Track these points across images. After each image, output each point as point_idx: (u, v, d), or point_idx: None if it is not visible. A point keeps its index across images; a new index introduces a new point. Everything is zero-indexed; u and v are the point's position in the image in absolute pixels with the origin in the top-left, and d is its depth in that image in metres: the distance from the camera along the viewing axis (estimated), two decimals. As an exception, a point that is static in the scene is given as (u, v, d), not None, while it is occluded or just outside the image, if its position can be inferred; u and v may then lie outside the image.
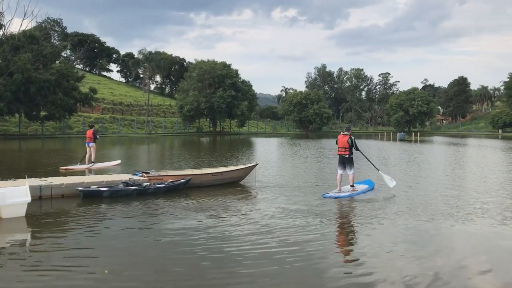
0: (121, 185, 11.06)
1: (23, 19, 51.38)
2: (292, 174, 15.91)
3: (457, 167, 19.04)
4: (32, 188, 9.28)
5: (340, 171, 11.58)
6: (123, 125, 62.00)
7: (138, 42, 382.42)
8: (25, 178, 10.64)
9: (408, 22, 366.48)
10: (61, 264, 5.84)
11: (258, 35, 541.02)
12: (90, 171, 16.49)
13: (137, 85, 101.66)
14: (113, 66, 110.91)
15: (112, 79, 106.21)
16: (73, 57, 79.51)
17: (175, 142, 43.70)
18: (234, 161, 20.92)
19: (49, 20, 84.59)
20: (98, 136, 18.92)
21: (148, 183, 11.53)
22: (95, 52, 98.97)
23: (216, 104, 64.79)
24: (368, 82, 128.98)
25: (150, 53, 70.33)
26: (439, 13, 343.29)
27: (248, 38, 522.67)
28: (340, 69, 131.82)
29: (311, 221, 8.29)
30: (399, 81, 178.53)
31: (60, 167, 16.73)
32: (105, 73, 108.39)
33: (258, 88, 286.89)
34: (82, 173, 15.39)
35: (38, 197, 10.08)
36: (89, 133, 18.27)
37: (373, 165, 12.56)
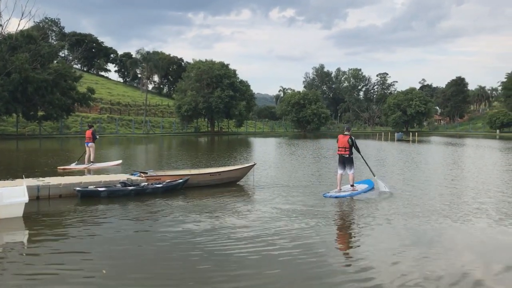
0: (119, 185, 11.03)
1: (21, 19, 51.23)
2: (290, 174, 15.90)
3: (455, 167, 19.07)
4: (29, 188, 9.26)
5: (340, 171, 11.62)
6: (120, 125, 61.90)
7: (136, 42, 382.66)
8: (22, 178, 10.63)
9: (406, 22, 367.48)
10: (59, 265, 5.82)
11: (256, 35, 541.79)
12: (89, 171, 16.48)
13: (135, 85, 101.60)
14: (111, 66, 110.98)
15: (110, 79, 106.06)
16: (70, 57, 79.31)
17: (173, 142, 43.65)
18: (232, 161, 20.91)
19: (46, 20, 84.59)
20: (97, 136, 18.93)
21: (146, 183, 11.51)
22: (93, 52, 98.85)
23: (214, 104, 64.74)
24: (366, 82, 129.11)
25: (148, 53, 70.30)
26: (437, 13, 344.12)
27: (246, 38, 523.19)
28: (338, 69, 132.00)
29: (310, 222, 8.28)
30: (397, 81, 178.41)
31: (58, 167, 16.70)
32: (103, 73, 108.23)
33: (256, 88, 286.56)
34: (80, 173, 15.36)
35: (36, 197, 10.04)
36: (88, 133, 18.26)
37: (370, 169, 12.53)
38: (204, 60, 71.34)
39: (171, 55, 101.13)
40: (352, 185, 11.61)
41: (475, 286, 5.24)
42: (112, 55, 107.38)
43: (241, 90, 69.97)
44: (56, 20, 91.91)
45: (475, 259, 6.33)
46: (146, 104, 69.22)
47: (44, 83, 41.46)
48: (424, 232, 7.61)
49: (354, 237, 7.64)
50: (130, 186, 11.10)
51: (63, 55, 78.03)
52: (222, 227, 7.90)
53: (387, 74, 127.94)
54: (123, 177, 11.98)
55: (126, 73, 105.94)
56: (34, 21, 72.49)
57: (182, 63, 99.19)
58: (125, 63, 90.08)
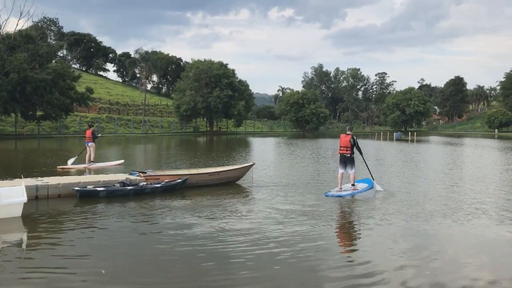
0: (118, 185, 11.02)
1: (19, 19, 51.32)
2: (289, 174, 15.89)
3: (454, 167, 19.09)
4: (28, 188, 9.24)
5: (341, 170, 11.66)
6: (119, 124, 61.84)
7: (134, 41, 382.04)
8: (21, 178, 10.60)
9: (405, 22, 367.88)
10: (58, 265, 5.80)
11: (255, 34, 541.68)
12: (89, 170, 16.50)
13: (134, 84, 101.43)
14: (110, 66, 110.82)
15: (109, 78, 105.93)
16: (69, 57, 79.17)
17: (171, 142, 43.62)
18: (230, 160, 20.90)
19: (45, 20, 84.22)
20: (99, 135, 18.98)
21: (145, 183, 11.50)
22: (91, 52, 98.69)
23: (213, 104, 64.70)
24: (365, 81, 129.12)
25: (146, 52, 70.17)
26: (436, 13, 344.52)
27: (245, 37, 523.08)
28: (337, 69, 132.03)
29: (309, 221, 8.27)
30: (395, 81, 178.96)
31: (58, 166, 16.70)
32: (101, 73, 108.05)
33: (255, 88, 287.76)
34: (79, 172, 15.33)
35: (35, 197, 10.02)
36: (89, 132, 18.30)
37: (369, 172, 12.53)
38: (202, 60, 71.31)
39: (170, 55, 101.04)
40: (353, 184, 11.65)
41: (475, 286, 5.24)
42: (110, 55, 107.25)
43: (240, 89, 69.93)
44: (55, 20, 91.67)
45: (475, 259, 6.33)
46: (145, 103, 69.13)
47: (43, 83, 41.40)
48: (424, 232, 7.60)
49: (354, 237, 7.63)
50: (129, 186, 11.09)
51: (61, 54, 77.98)
52: (221, 227, 7.89)
53: (386, 73, 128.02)
54: (122, 177, 11.97)
55: (124, 72, 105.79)
56: (33, 21, 72.41)
57: (181, 62, 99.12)
58: (124, 62, 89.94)
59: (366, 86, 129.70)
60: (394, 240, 7.17)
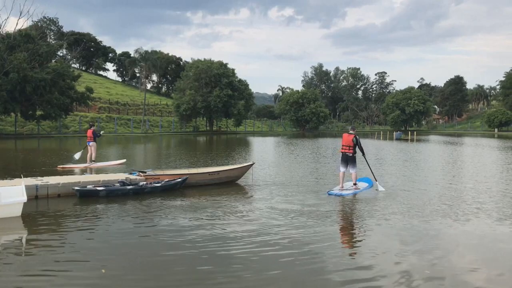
0: (118, 184, 11.01)
1: (19, 18, 51.45)
2: (289, 173, 15.88)
3: (455, 166, 19.09)
4: (28, 188, 9.23)
5: (342, 169, 11.68)
6: (119, 124, 61.84)
7: (134, 41, 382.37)
8: (21, 177, 10.59)
9: (405, 22, 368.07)
10: (58, 265, 5.79)
11: (255, 34, 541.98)
12: (90, 169, 16.52)
13: (134, 84, 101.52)
14: (110, 65, 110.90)
15: (109, 78, 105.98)
16: (69, 56, 79.22)
17: (171, 141, 43.61)
18: (230, 160, 20.89)
19: (45, 19, 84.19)
20: (101, 134, 19.03)
21: (144, 183, 11.49)
22: (91, 51, 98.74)
23: (213, 103, 64.71)
24: (365, 81, 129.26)
25: (146, 52, 70.17)
26: (436, 12, 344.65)
27: (245, 37, 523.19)
28: (337, 68, 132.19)
29: (309, 221, 8.26)
30: (395, 80, 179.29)
31: (58, 166, 16.70)
32: (101, 72, 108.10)
33: (255, 87, 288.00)
34: (79, 172, 15.33)
35: (34, 196, 10.01)
36: (90, 132, 18.33)
37: (372, 172, 12.53)
38: (202, 59, 71.38)
39: (170, 54, 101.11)
40: (354, 184, 11.69)
41: (475, 286, 5.23)
42: (110, 55, 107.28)
43: (240, 89, 69.97)
44: (54, 19, 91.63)
45: (475, 259, 6.32)
46: (145, 103, 69.13)
47: (43, 83, 41.36)
48: (424, 232, 7.59)
49: (354, 237, 7.62)
50: (128, 185, 11.08)
51: (61, 54, 77.83)
52: (221, 227, 7.87)
53: (386, 73, 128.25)
54: (122, 176, 11.97)
55: (124, 72, 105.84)
56: (32, 20, 72.52)
57: (181, 62, 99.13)
58: (124, 62, 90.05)
59: (366, 86, 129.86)
60: (394, 240, 7.16)
